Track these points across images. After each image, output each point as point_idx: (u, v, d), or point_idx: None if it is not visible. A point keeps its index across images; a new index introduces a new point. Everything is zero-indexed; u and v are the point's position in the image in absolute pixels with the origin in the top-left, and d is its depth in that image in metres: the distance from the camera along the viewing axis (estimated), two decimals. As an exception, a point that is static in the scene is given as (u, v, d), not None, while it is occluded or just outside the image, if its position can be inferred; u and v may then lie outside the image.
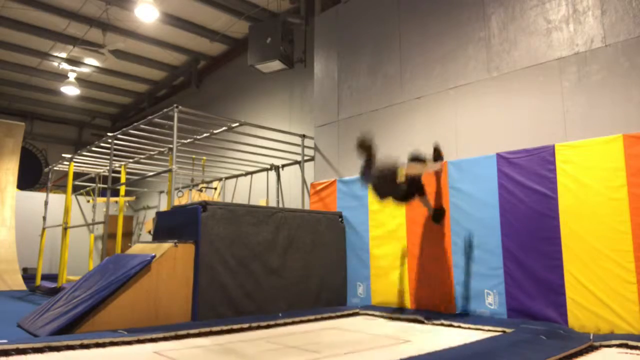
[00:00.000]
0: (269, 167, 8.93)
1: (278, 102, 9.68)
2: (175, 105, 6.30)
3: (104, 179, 10.88)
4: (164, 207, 12.31)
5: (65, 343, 3.64)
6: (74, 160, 9.22)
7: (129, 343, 3.93)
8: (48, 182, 10.27)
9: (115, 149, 8.14)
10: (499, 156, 5.07)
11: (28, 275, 10.43)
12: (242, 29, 9.91)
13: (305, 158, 7.87)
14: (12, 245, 9.90)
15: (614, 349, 3.76)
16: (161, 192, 13.03)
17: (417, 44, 6.17)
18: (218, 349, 3.85)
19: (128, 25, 9.87)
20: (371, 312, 5.69)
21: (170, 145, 6.75)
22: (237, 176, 9.93)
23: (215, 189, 10.71)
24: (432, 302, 5.44)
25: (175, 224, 5.34)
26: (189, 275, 4.94)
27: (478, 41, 5.52)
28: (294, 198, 8.61)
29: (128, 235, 13.91)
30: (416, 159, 5.24)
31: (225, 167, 9.68)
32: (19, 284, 9.32)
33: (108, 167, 8.67)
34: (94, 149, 8.43)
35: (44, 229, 9.70)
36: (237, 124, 7.22)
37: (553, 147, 4.67)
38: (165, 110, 6.50)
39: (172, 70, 12.27)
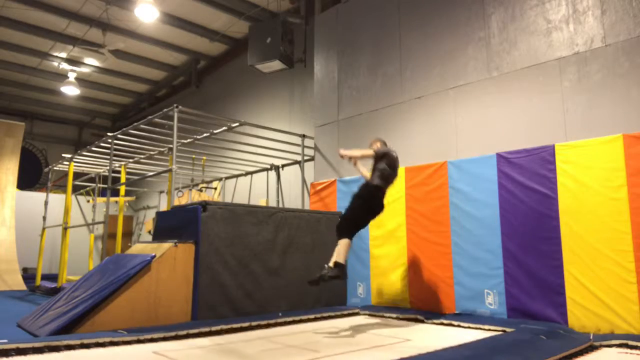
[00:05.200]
0: (269, 167, 8.93)
1: (278, 102, 9.68)
2: (175, 105, 6.30)
3: (104, 179, 10.88)
4: (164, 207, 12.31)
5: (65, 343, 3.64)
6: (74, 160, 9.22)
7: (129, 343, 3.93)
8: (48, 182, 10.27)
9: (115, 149, 8.14)
10: (499, 156, 5.07)
11: (28, 275, 10.42)
12: (242, 29, 9.92)
13: (305, 158, 7.87)
14: (12, 245, 9.90)
15: (614, 349, 3.76)
16: (161, 192, 13.02)
17: (417, 44, 6.18)
18: (218, 348, 3.85)
19: (128, 25, 9.87)
20: (371, 312, 5.69)
21: (170, 145, 6.74)
22: (237, 176, 9.93)
23: (215, 189, 10.72)
24: (432, 302, 5.44)
25: (175, 224, 5.34)
26: (188, 275, 4.94)
27: (478, 41, 5.53)
28: (294, 198, 8.61)
29: (128, 235, 13.92)
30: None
31: (225, 167, 9.69)
32: (19, 284, 9.32)
33: (108, 167, 8.67)
34: (94, 149, 8.43)
35: (44, 229, 9.70)
36: (237, 124, 7.22)
37: (553, 147, 4.67)
38: (165, 110, 6.50)
39: (172, 70, 12.27)
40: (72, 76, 11.62)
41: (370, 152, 5.00)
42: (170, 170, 6.14)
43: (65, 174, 9.82)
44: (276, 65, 8.29)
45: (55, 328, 4.06)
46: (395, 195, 5.97)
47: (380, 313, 5.59)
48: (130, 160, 9.11)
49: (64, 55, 11.15)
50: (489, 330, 4.48)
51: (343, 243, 4.65)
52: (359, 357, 3.52)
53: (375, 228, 6.13)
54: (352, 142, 6.81)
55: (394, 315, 5.42)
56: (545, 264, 4.59)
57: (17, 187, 10.66)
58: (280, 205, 8.72)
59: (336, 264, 4.57)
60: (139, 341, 3.98)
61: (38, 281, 9.18)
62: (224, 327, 4.55)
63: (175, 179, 6.43)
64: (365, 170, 5.21)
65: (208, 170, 10.05)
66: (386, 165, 4.88)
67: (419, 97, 6.06)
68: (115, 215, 10.19)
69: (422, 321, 5.10)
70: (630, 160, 4.19)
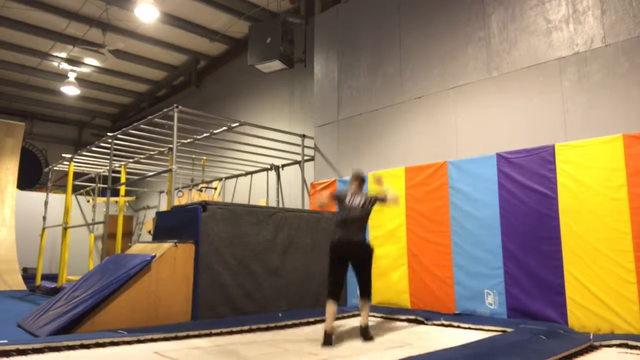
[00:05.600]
0: (269, 167, 8.93)
1: (278, 102, 9.68)
2: (175, 105, 6.31)
3: (104, 179, 10.88)
4: (164, 207, 12.30)
5: (65, 343, 3.64)
6: (74, 160, 9.22)
7: (129, 343, 3.93)
8: (48, 182, 10.27)
9: (115, 149, 8.14)
10: (499, 156, 5.07)
11: (28, 275, 10.43)
12: (242, 29, 9.92)
13: (305, 158, 7.87)
14: (12, 245, 9.90)
15: (614, 349, 3.76)
16: (161, 192, 13.03)
17: (417, 44, 6.18)
18: (218, 349, 3.84)
19: (128, 25, 9.87)
20: (371, 313, 5.68)
21: (170, 145, 6.74)
22: (237, 176, 9.93)
23: (215, 189, 10.72)
24: (432, 302, 5.44)
25: (175, 224, 5.34)
26: (189, 275, 4.94)
27: (478, 41, 5.52)
28: (294, 198, 8.61)
29: (128, 235, 13.92)
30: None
31: (225, 167, 9.69)
32: (19, 284, 9.32)
33: (108, 167, 8.67)
34: (94, 149, 8.43)
35: (44, 229, 9.70)
36: (237, 124, 7.22)
37: (553, 147, 4.67)
38: (165, 110, 6.50)
39: (172, 70, 12.27)
40: (72, 76, 11.62)
41: (326, 193, 4.96)
42: (170, 170, 6.14)
43: (65, 174, 9.82)
44: (276, 65, 8.28)
45: (55, 328, 4.06)
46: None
47: (380, 313, 5.59)
48: (130, 160, 9.11)
49: (64, 55, 11.15)
50: (489, 330, 4.48)
51: (326, 309, 4.39)
52: (359, 358, 3.52)
53: (376, 228, 6.13)
54: (352, 142, 6.82)
55: (394, 316, 5.42)
56: (545, 264, 4.59)
57: (17, 187, 10.66)
58: (280, 205, 8.72)
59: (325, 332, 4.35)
60: (139, 341, 3.98)
61: (38, 281, 9.18)
62: (224, 329, 4.54)
63: (175, 179, 6.42)
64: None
65: (208, 170, 10.05)
66: (342, 209, 4.68)
67: (419, 97, 6.06)
68: (115, 215, 10.19)
69: (422, 322, 5.10)
70: (630, 160, 4.18)
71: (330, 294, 4.37)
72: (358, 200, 4.62)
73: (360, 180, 4.78)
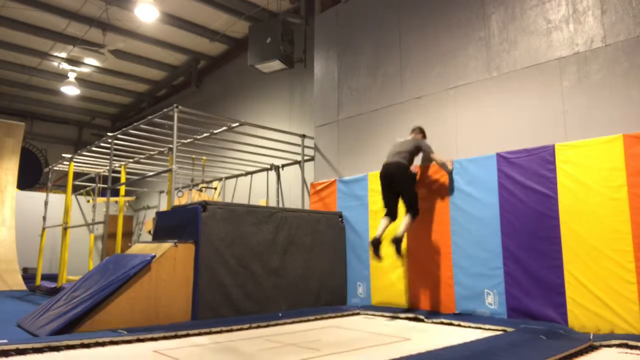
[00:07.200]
0: (269, 167, 8.94)
1: (278, 102, 9.68)
2: (175, 105, 6.30)
3: (104, 179, 10.88)
4: (164, 207, 12.31)
5: (65, 343, 3.64)
6: (74, 160, 9.22)
7: (129, 342, 3.93)
8: (48, 182, 10.27)
9: (115, 149, 8.14)
10: (499, 156, 5.07)
11: (28, 275, 10.43)
12: (242, 29, 9.93)
13: (305, 158, 7.87)
14: (12, 245, 9.90)
15: (614, 349, 3.76)
16: (161, 192, 13.03)
17: (417, 44, 6.18)
18: (218, 347, 3.85)
19: (128, 25, 9.87)
20: (371, 312, 5.70)
21: (170, 145, 6.74)
22: (237, 176, 9.93)
23: (215, 189, 10.72)
24: (432, 302, 5.44)
25: (175, 224, 5.34)
26: (189, 275, 4.94)
27: (478, 41, 5.53)
28: (294, 198, 8.62)
29: (128, 235, 13.92)
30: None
31: (225, 167, 9.69)
32: (19, 284, 9.32)
33: (108, 167, 8.67)
34: (94, 149, 8.43)
35: (44, 229, 9.70)
36: (237, 124, 7.22)
37: (553, 147, 4.67)
38: (165, 110, 6.50)
39: (172, 70, 12.28)
40: (72, 76, 11.63)
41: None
42: (170, 170, 6.14)
43: (65, 174, 9.82)
44: (276, 65, 8.29)
45: (56, 328, 4.06)
46: (395, 195, 5.98)
47: (380, 313, 5.60)
48: (130, 160, 9.11)
49: (64, 55, 11.15)
50: (489, 330, 4.48)
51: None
52: (359, 356, 3.53)
53: (376, 228, 6.11)
54: (352, 142, 6.82)
55: (394, 315, 5.42)
56: (545, 264, 4.59)
57: (17, 187, 10.66)
58: (280, 205, 8.72)
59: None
60: (139, 340, 3.99)
61: (38, 281, 9.18)
62: (224, 327, 4.55)
63: (175, 179, 6.42)
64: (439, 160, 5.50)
65: (208, 170, 10.05)
66: None
67: (419, 97, 6.07)
68: (115, 215, 10.20)
69: (422, 320, 5.11)
70: (630, 160, 4.18)
71: (385, 214, 5.39)
72: (401, 140, 5.62)
73: (414, 131, 5.73)
